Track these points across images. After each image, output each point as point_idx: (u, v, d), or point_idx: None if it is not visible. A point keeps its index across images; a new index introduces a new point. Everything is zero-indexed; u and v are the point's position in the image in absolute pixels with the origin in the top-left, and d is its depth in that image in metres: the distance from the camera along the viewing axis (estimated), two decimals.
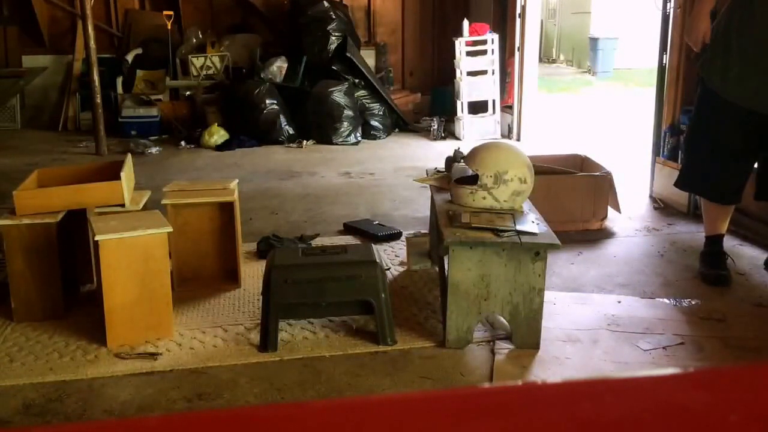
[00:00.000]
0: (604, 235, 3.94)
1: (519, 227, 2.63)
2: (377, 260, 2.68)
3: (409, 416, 0.59)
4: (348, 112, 6.66)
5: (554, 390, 0.66)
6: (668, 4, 4.37)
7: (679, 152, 4.31)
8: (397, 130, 7.24)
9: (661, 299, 3.10)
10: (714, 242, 3.33)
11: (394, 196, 4.79)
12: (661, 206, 4.43)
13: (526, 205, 2.91)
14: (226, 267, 3.30)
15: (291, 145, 6.59)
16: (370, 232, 3.91)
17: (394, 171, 5.56)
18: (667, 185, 4.45)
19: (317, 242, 3.80)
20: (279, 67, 7.00)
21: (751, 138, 3.10)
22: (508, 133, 6.85)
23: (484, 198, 2.83)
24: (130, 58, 7.43)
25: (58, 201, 2.94)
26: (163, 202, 3.17)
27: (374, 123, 6.94)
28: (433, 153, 6.12)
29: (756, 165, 3.25)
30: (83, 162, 5.65)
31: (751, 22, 2.97)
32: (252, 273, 3.37)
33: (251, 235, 3.87)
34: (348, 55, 6.91)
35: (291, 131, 6.68)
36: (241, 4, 7.77)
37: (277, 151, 6.38)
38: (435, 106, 7.74)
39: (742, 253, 3.61)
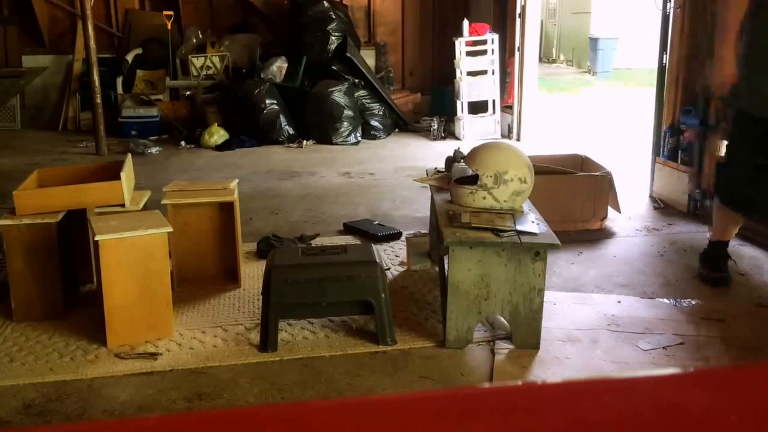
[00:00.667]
0: (604, 235, 3.94)
1: (519, 227, 2.63)
2: (377, 260, 2.68)
3: (409, 416, 0.59)
4: (348, 112, 6.66)
5: (554, 390, 0.66)
6: (668, 4, 4.37)
7: (684, 156, 4.31)
8: (397, 130, 7.24)
9: (661, 299, 3.10)
10: (718, 246, 3.30)
11: (394, 196, 4.79)
12: (661, 206, 4.43)
13: (526, 205, 2.91)
14: (226, 267, 3.30)
15: (291, 145, 6.59)
16: (370, 232, 3.91)
17: (394, 171, 5.56)
18: (667, 185, 4.46)
19: (317, 242, 3.80)
20: (279, 67, 7.00)
21: None
22: (508, 133, 6.85)
23: (484, 198, 2.83)
24: (130, 58, 7.43)
25: (58, 201, 2.94)
26: (163, 202, 3.17)
27: (374, 123, 6.94)
28: (433, 153, 6.12)
29: None
30: (83, 162, 5.65)
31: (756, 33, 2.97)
32: (252, 273, 3.37)
33: (251, 235, 3.87)
34: (348, 55, 6.91)
35: (291, 131, 6.68)
36: (241, 4, 7.77)
37: (277, 151, 6.38)
38: (435, 106, 7.74)
39: (742, 253, 3.61)
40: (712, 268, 3.28)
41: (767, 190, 3.12)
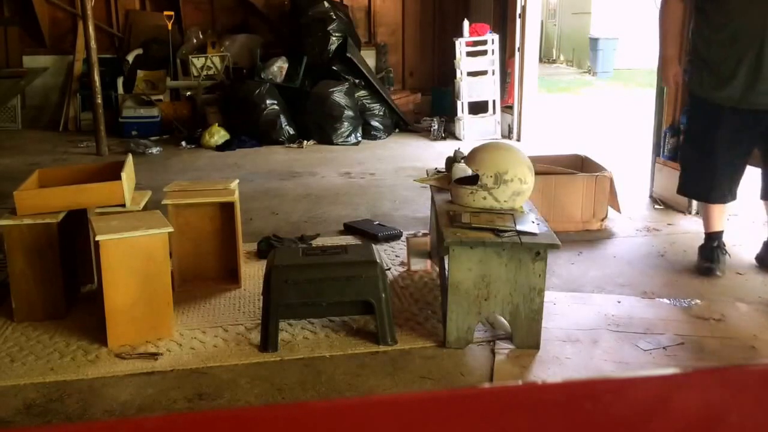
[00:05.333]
0: (605, 235, 3.94)
1: (519, 227, 2.63)
2: (377, 260, 2.68)
3: (410, 416, 0.60)
4: (348, 113, 6.67)
5: (554, 390, 0.67)
6: None
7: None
8: (397, 130, 7.24)
9: (661, 299, 3.10)
10: (710, 238, 3.43)
11: (394, 197, 4.79)
12: (662, 206, 4.43)
13: (527, 205, 2.91)
14: (227, 267, 3.30)
15: (291, 145, 6.60)
16: (370, 233, 3.91)
17: (394, 171, 5.56)
18: (667, 185, 4.45)
19: (318, 242, 3.81)
20: (279, 67, 7.00)
21: (739, 137, 3.22)
22: (508, 134, 6.85)
23: (485, 198, 2.83)
24: (130, 58, 7.43)
25: (59, 201, 2.94)
26: (164, 202, 3.17)
27: (374, 123, 6.94)
28: (434, 153, 6.12)
29: (755, 164, 3.38)
30: (84, 162, 5.65)
31: (717, 27, 3.14)
32: (252, 273, 3.37)
33: (252, 235, 3.87)
34: (348, 55, 6.91)
35: (291, 131, 6.68)
36: (241, 4, 7.78)
37: (278, 152, 6.38)
38: (435, 106, 7.74)
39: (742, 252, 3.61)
40: (702, 257, 3.42)
41: (710, 176, 3.31)
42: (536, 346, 2.63)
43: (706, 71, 3.21)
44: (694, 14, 3.36)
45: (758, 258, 3.46)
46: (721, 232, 3.42)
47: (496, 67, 6.78)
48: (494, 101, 6.84)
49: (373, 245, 2.94)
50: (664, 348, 2.66)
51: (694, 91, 3.34)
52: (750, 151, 3.28)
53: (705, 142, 3.28)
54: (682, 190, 3.57)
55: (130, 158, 3.34)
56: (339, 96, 6.64)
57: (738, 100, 3.13)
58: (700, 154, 3.33)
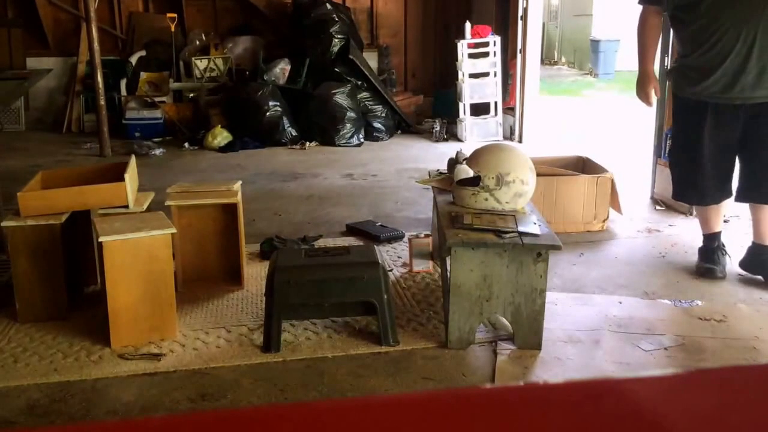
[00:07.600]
0: (606, 236, 3.94)
1: (521, 228, 2.63)
2: (380, 261, 2.69)
3: (411, 417, 0.60)
4: (350, 114, 6.67)
5: (556, 391, 0.67)
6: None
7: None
8: (399, 131, 7.24)
9: (662, 300, 3.10)
10: (708, 239, 3.43)
11: (396, 198, 4.80)
12: (663, 207, 4.43)
13: (528, 207, 2.92)
14: (230, 268, 3.31)
15: (294, 146, 6.60)
16: (372, 234, 3.92)
17: (396, 172, 5.57)
18: (668, 187, 4.45)
19: (320, 243, 3.81)
20: (282, 69, 7.01)
21: (725, 133, 3.21)
22: (510, 135, 6.85)
23: (486, 199, 2.83)
24: (133, 60, 7.44)
25: (62, 202, 2.95)
26: (167, 203, 3.18)
27: (376, 125, 6.94)
28: (435, 154, 6.12)
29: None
30: (87, 163, 5.67)
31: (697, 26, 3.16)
32: (255, 274, 3.38)
33: (254, 236, 3.88)
34: (351, 57, 6.92)
35: (294, 133, 6.69)
36: (244, 6, 7.79)
37: (280, 153, 6.39)
38: (437, 108, 7.74)
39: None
40: (702, 259, 3.42)
41: (701, 179, 3.30)
42: (538, 347, 2.63)
43: (692, 71, 3.22)
44: (670, 21, 3.42)
45: (742, 264, 3.38)
46: (719, 233, 3.42)
47: (498, 68, 6.79)
48: (496, 103, 6.85)
49: (375, 246, 2.95)
50: (665, 349, 2.66)
51: (680, 92, 3.36)
52: (737, 148, 3.25)
53: (692, 143, 3.27)
54: (676, 196, 3.57)
55: (133, 159, 3.34)
56: (341, 97, 6.65)
57: (721, 93, 3.12)
58: (688, 156, 3.32)
